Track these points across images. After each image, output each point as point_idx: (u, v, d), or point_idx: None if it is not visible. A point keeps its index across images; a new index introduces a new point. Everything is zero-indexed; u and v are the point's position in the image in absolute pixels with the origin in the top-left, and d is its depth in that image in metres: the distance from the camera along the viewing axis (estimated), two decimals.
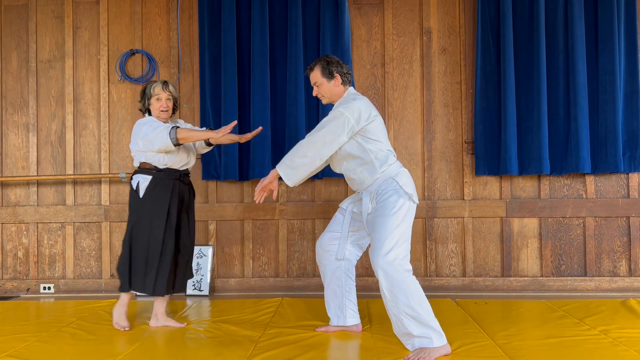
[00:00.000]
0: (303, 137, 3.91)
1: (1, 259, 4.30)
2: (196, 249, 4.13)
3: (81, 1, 4.30)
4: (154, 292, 2.98)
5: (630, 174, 3.99)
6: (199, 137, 2.95)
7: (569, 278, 4.00)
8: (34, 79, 4.30)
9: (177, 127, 2.93)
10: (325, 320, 3.13)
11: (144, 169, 3.01)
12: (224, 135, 2.88)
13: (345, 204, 2.95)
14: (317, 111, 4.04)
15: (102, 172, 4.23)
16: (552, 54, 3.93)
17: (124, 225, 4.20)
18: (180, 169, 3.07)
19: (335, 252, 2.90)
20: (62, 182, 4.26)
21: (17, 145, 4.32)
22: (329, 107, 3.95)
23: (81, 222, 4.25)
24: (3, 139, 4.33)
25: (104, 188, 4.23)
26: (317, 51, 4.03)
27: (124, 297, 3.11)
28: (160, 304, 3.15)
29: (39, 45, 4.31)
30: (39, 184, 4.28)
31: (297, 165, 2.66)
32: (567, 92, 3.89)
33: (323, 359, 2.52)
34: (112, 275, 4.22)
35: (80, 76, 4.29)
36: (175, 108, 3.13)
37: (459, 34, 4.13)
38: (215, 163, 4.07)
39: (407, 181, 2.69)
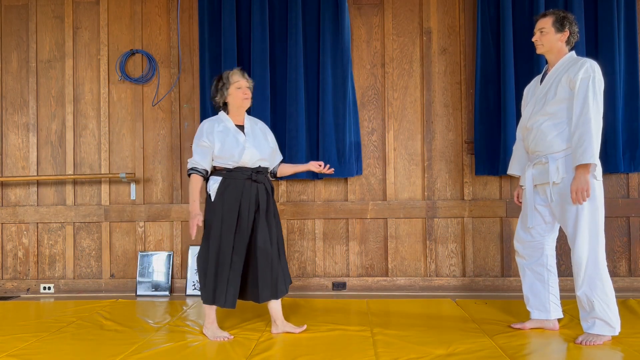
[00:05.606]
0: (303, 137, 4.00)
1: (1, 259, 4.30)
2: (196, 248, 4.13)
3: (81, 1, 4.30)
4: (225, 304, 2.79)
5: (630, 174, 3.99)
6: (190, 196, 2.87)
7: (569, 278, 3.99)
8: (34, 79, 4.30)
9: (195, 172, 2.85)
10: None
11: (216, 170, 2.90)
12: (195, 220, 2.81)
13: (523, 181, 2.93)
14: (317, 111, 4.04)
15: (102, 172, 4.23)
16: None
17: (124, 225, 4.21)
18: (252, 167, 2.88)
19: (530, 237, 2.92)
20: (62, 182, 4.26)
21: (17, 145, 4.32)
22: (329, 107, 3.97)
23: (81, 222, 4.25)
24: (3, 139, 4.33)
25: (104, 188, 4.23)
26: (317, 51, 4.03)
27: (210, 313, 2.91)
28: (276, 310, 2.94)
29: (39, 45, 4.31)
30: (39, 184, 4.28)
31: (599, 147, 2.61)
32: None
33: (323, 359, 2.52)
34: (112, 275, 4.22)
35: (80, 76, 4.29)
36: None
37: (459, 34, 4.13)
38: None
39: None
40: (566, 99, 2.69)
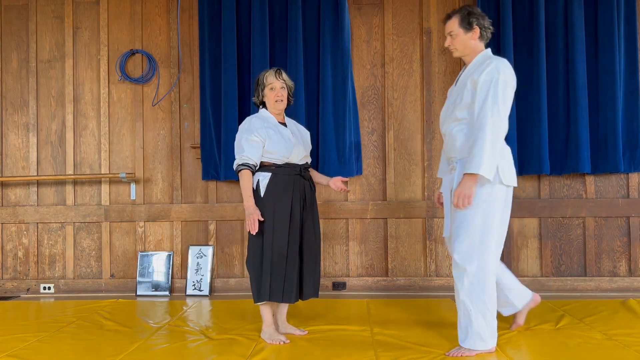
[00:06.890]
0: None
1: (1, 259, 4.30)
2: (196, 248, 4.14)
3: (81, 1, 4.30)
4: (283, 299, 2.74)
5: (630, 174, 3.99)
6: (244, 192, 2.78)
7: (569, 278, 4.00)
8: (34, 79, 4.30)
9: (245, 168, 2.76)
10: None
11: (263, 166, 2.82)
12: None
13: (444, 185, 2.79)
14: (317, 111, 4.04)
15: (102, 172, 4.23)
16: (552, 54, 3.92)
17: (124, 225, 4.21)
18: (300, 164, 2.87)
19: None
20: (62, 182, 4.26)
21: (17, 145, 4.32)
22: (329, 107, 3.97)
23: (81, 222, 4.25)
24: (3, 139, 4.33)
25: (104, 188, 4.23)
26: (317, 51, 4.03)
27: (266, 314, 2.84)
28: (280, 311, 2.96)
29: (39, 45, 4.31)
30: (39, 184, 4.28)
31: (495, 156, 2.44)
32: (567, 92, 3.89)
33: (323, 359, 2.52)
34: (112, 275, 4.22)
35: (80, 76, 4.29)
36: (291, 98, 2.95)
37: None
38: (215, 163, 4.07)
39: (504, 164, 2.51)
40: (472, 103, 2.50)
